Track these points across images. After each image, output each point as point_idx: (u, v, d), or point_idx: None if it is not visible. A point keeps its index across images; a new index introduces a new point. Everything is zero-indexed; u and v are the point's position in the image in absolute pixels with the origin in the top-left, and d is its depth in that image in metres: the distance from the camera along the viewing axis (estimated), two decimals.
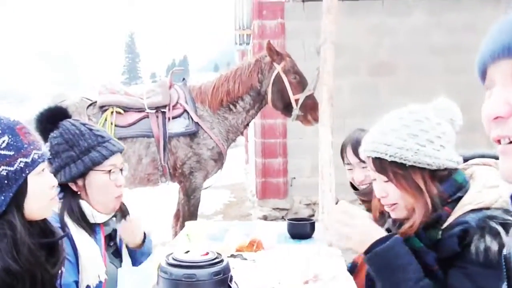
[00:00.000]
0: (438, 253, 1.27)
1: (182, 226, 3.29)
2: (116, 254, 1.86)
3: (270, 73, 3.67)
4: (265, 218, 5.77)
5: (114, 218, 1.83)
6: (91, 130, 1.72)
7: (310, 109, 3.70)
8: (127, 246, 1.88)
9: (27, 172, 1.22)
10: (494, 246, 1.15)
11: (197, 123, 3.60)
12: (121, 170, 1.76)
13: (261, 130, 5.89)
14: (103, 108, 3.54)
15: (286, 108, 3.74)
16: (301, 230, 2.12)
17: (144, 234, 1.92)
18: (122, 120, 3.52)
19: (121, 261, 1.84)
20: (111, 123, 3.47)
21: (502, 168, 0.76)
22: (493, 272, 1.13)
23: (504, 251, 0.83)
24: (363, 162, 1.88)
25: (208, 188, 4.06)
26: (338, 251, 1.81)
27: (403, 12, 5.82)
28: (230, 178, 8.94)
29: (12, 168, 1.20)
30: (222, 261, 1.02)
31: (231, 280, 1.00)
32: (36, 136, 1.31)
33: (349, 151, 2.00)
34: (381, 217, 1.56)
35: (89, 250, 1.64)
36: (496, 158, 0.95)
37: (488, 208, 1.24)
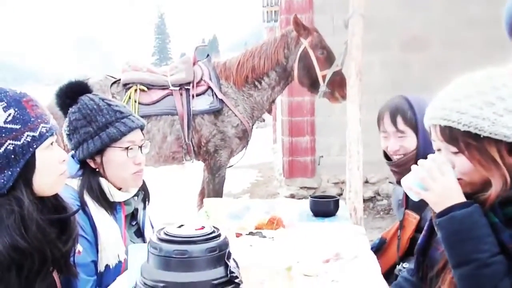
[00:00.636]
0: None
1: None
2: (138, 233, 1.82)
3: (297, 48, 3.56)
4: (292, 197, 5.71)
5: (136, 197, 1.79)
6: (109, 105, 1.67)
7: (337, 86, 3.58)
8: None
9: (35, 146, 1.19)
10: None
11: (221, 100, 3.54)
12: (141, 147, 1.71)
13: (288, 108, 5.79)
14: (127, 86, 3.52)
15: (313, 85, 3.64)
16: (324, 207, 2.05)
17: None
18: (146, 97, 3.50)
19: (143, 240, 1.80)
20: (135, 101, 3.45)
21: None
22: None
23: None
24: (400, 131, 1.80)
25: (235, 167, 4.02)
26: (362, 230, 1.73)
27: None
28: (258, 157, 8.91)
29: (19, 143, 1.16)
30: (218, 236, 0.93)
31: (228, 258, 0.91)
32: (44, 109, 1.26)
33: (386, 118, 1.89)
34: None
35: (109, 229, 1.62)
36: None
37: None
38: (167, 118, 3.52)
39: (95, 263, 1.59)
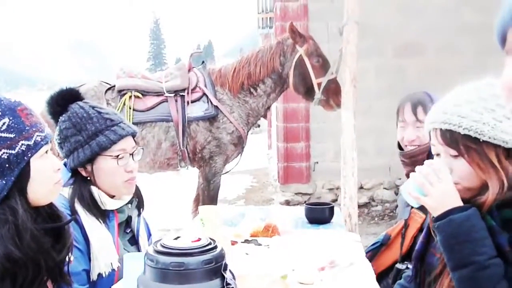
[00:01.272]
0: (510, 232, 1.19)
1: None
2: (133, 241, 1.80)
3: (292, 56, 3.57)
4: (287, 203, 5.72)
5: (129, 205, 1.78)
6: (100, 113, 1.65)
7: (332, 93, 3.59)
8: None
9: (29, 155, 1.18)
10: None
11: (216, 107, 3.54)
12: (132, 154, 1.70)
13: (283, 114, 5.80)
14: (121, 92, 3.51)
15: (308, 92, 3.65)
16: (319, 214, 2.05)
17: None
18: (141, 104, 3.49)
19: (138, 248, 1.78)
20: (130, 107, 3.44)
21: None
22: None
23: None
24: (419, 121, 1.83)
25: (231, 173, 4.01)
26: (357, 237, 1.74)
27: None
28: (253, 163, 8.90)
29: (13, 151, 1.15)
30: (215, 248, 0.93)
31: (225, 269, 0.91)
32: (39, 117, 1.26)
33: (407, 108, 1.92)
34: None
35: (101, 238, 1.60)
36: None
37: None
38: (162, 124, 3.51)
39: (87, 272, 1.57)
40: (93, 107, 1.67)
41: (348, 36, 3.45)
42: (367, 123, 4.88)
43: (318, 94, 3.56)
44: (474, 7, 5.52)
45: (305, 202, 5.65)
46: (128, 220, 1.79)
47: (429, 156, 1.38)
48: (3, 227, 1.12)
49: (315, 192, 5.84)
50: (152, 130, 3.50)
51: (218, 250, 0.93)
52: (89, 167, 1.64)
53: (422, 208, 1.82)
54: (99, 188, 1.65)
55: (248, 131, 3.75)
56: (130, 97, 3.47)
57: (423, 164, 1.32)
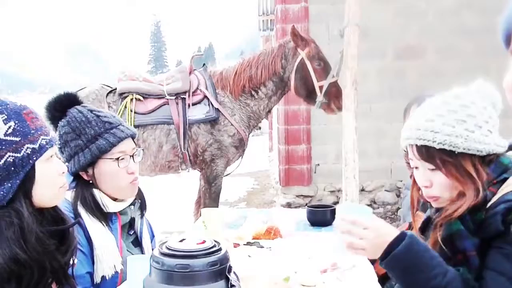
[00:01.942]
0: (481, 234, 1.20)
1: None
2: (136, 243, 1.80)
3: (294, 59, 3.58)
4: (288, 205, 5.72)
5: (132, 207, 1.79)
6: (98, 116, 1.66)
7: (333, 96, 3.61)
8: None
9: (35, 158, 1.19)
10: None
11: (217, 110, 3.55)
12: (133, 156, 1.71)
13: (284, 116, 5.81)
14: (123, 95, 3.53)
15: (309, 96, 3.66)
16: (321, 217, 2.05)
17: None
18: (142, 107, 3.50)
19: (141, 250, 1.79)
20: (131, 110, 3.45)
21: None
22: None
23: None
24: None
25: (232, 176, 4.02)
26: None
27: None
28: (254, 165, 8.92)
29: (19, 155, 1.16)
30: (219, 250, 0.94)
31: (229, 271, 0.93)
32: (44, 121, 1.27)
33: (414, 107, 1.95)
34: (423, 206, 1.49)
35: (104, 240, 1.60)
36: None
37: None
38: (163, 127, 3.52)
39: (90, 274, 1.58)
40: (91, 111, 1.68)
41: (349, 38, 3.48)
42: (368, 125, 4.89)
43: (320, 97, 3.58)
44: (474, 10, 5.54)
45: (306, 204, 5.66)
46: (131, 222, 1.80)
47: None
48: (9, 230, 1.13)
49: (317, 194, 5.85)
50: (153, 132, 3.51)
51: (222, 252, 0.95)
52: (90, 171, 1.65)
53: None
54: (101, 190, 1.66)
55: (249, 134, 3.76)
56: (132, 100, 3.49)
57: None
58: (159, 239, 1.87)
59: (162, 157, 3.54)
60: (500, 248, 1.16)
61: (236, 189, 7.30)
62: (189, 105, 3.53)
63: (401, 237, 1.22)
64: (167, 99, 3.54)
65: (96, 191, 1.65)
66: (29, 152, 1.18)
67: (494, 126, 1.29)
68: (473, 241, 1.20)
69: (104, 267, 1.58)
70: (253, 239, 1.80)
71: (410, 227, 1.88)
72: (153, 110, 3.51)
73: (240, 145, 3.67)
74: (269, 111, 3.86)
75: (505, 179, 1.24)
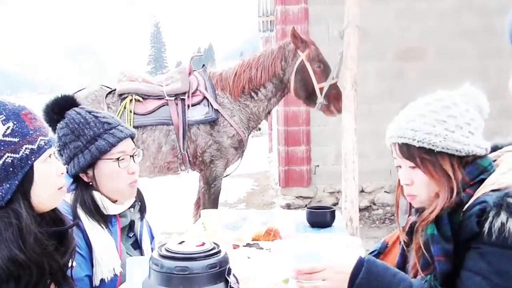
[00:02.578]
0: (459, 237, 1.22)
1: None
2: (136, 245, 1.79)
3: (294, 61, 3.58)
4: (288, 206, 5.72)
5: (132, 209, 1.78)
6: (97, 117, 1.65)
7: (333, 98, 3.61)
8: None
9: (33, 159, 1.19)
10: (511, 224, 1.11)
11: (217, 111, 3.55)
12: (133, 156, 1.70)
13: (284, 117, 5.81)
14: (122, 96, 3.52)
15: (309, 97, 3.66)
16: (321, 218, 2.05)
17: None
18: (141, 108, 3.50)
19: (141, 252, 1.78)
20: (130, 111, 3.45)
21: None
22: (509, 252, 1.10)
23: None
24: None
25: (231, 177, 4.02)
26: (358, 241, 1.74)
27: None
28: (254, 166, 8.91)
29: (17, 155, 1.16)
30: (219, 252, 0.94)
31: (229, 274, 0.92)
32: (43, 122, 1.27)
33: None
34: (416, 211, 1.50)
35: (103, 243, 1.59)
36: None
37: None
38: (163, 128, 3.52)
39: (89, 277, 1.57)
40: (89, 112, 1.67)
41: (349, 39, 3.48)
42: (367, 126, 4.89)
43: (320, 99, 3.58)
44: (475, 11, 5.55)
45: (306, 205, 5.66)
46: (131, 224, 1.79)
47: None
48: (7, 231, 1.12)
49: (316, 195, 5.85)
50: (152, 133, 3.51)
51: (222, 254, 0.95)
52: (90, 172, 1.64)
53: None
54: (101, 193, 1.65)
55: (248, 135, 3.75)
56: (131, 100, 3.48)
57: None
58: (159, 240, 1.86)
59: (162, 158, 3.54)
60: (476, 248, 1.18)
61: (235, 190, 7.30)
62: (188, 106, 3.53)
63: (359, 264, 1.26)
64: (167, 100, 3.53)
65: (96, 193, 1.64)
66: (28, 153, 1.18)
67: (477, 128, 1.32)
68: (444, 246, 1.22)
69: (103, 270, 1.57)
70: (252, 240, 1.80)
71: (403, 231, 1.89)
72: (152, 111, 3.50)
73: (240, 146, 3.67)
74: (269, 113, 3.86)
75: (483, 181, 1.26)
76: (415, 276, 1.33)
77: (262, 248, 1.72)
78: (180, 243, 0.97)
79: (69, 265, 1.32)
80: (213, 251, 0.94)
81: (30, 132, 1.19)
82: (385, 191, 5.79)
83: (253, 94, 3.64)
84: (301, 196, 5.83)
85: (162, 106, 3.52)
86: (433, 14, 5.62)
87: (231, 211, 4.59)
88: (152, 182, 3.93)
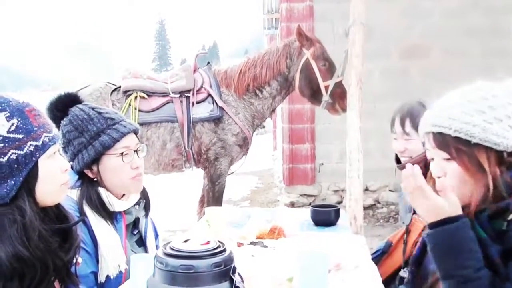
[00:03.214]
0: (502, 245, 1.17)
1: None
2: (140, 242, 1.81)
3: (299, 59, 3.57)
4: (292, 204, 5.71)
5: (137, 206, 1.78)
6: (100, 113, 1.66)
7: (338, 97, 3.59)
8: None
9: (38, 155, 1.19)
10: None
11: (221, 108, 3.54)
12: (136, 151, 1.70)
13: (288, 115, 5.79)
14: (127, 93, 3.52)
15: (314, 96, 3.65)
16: (325, 217, 2.05)
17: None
18: (146, 105, 3.50)
19: (145, 250, 1.79)
20: (135, 108, 3.45)
21: None
22: None
23: None
24: (406, 133, 1.85)
25: (236, 174, 4.01)
26: (363, 239, 1.73)
27: None
28: (258, 164, 8.92)
29: (22, 152, 1.16)
30: (224, 251, 0.93)
31: (234, 272, 0.92)
32: (47, 118, 1.27)
33: (397, 119, 1.95)
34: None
35: (109, 239, 1.60)
36: None
37: None
38: (167, 125, 3.52)
39: (95, 274, 1.58)
40: (92, 108, 1.68)
41: (354, 37, 3.45)
42: (372, 124, 4.87)
43: (326, 97, 3.56)
44: (480, 10, 5.51)
45: (310, 203, 5.65)
46: (136, 222, 1.80)
47: (426, 166, 1.36)
48: (12, 227, 1.12)
49: (320, 193, 5.84)
50: (157, 130, 3.51)
51: (227, 253, 0.94)
52: (95, 168, 1.65)
53: None
54: (106, 188, 1.66)
55: (253, 133, 3.75)
56: (136, 97, 3.48)
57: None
58: (163, 237, 1.86)
59: (166, 155, 3.54)
60: None
61: (239, 188, 7.31)
62: (193, 103, 3.52)
63: (457, 218, 1.19)
64: (171, 97, 3.53)
65: (101, 190, 1.64)
66: (32, 149, 1.18)
67: None
68: (498, 248, 1.16)
69: (109, 266, 1.58)
70: (256, 238, 1.79)
71: (407, 230, 1.87)
72: (157, 108, 3.50)
73: (244, 144, 3.66)
74: (273, 110, 3.85)
75: None
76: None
77: (267, 246, 1.72)
78: (185, 241, 0.97)
79: (74, 262, 1.32)
80: (218, 249, 0.93)
81: (35, 128, 1.19)
82: (389, 190, 5.77)
83: (257, 92, 3.64)
84: (305, 194, 5.83)
85: (166, 103, 3.52)
86: (438, 12, 5.59)
87: (235, 208, 4.59)
88: (157, 180, 3.93)
